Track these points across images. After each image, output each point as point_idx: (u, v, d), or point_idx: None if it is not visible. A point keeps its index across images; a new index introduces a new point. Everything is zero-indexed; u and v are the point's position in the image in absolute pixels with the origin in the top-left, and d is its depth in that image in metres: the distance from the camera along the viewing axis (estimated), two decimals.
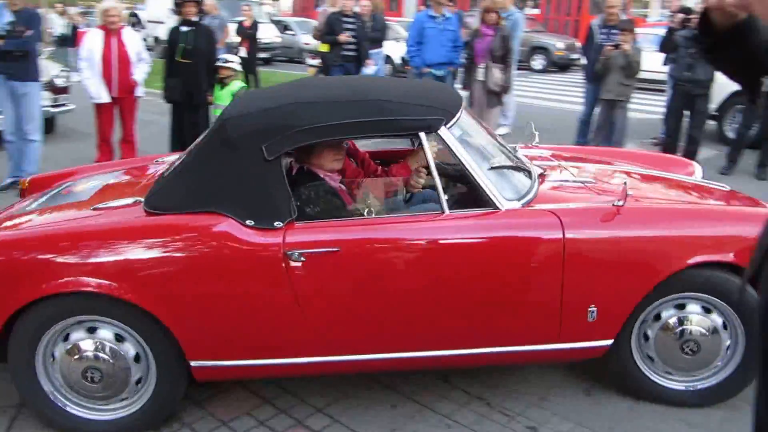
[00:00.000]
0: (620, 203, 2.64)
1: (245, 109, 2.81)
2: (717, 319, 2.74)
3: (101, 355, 2.58)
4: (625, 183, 2.74)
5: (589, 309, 2.64)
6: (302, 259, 2.48)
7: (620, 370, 2.84)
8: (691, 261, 2.61)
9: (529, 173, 2.94)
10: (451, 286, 2.59)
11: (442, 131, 2.64)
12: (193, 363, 2.62)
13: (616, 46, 6.55)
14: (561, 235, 2.56)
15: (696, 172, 3.68)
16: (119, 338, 2.60)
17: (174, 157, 3.30)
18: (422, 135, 2.64)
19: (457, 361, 2.77)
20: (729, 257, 2.63)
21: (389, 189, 3.06)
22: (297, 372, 2.81)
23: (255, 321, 2.59)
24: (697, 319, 2.74)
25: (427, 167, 2.65)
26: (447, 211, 2.61)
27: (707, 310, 2.74)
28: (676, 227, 2.71)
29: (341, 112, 2.66)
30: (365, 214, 2.66)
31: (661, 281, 2.62)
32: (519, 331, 2.71)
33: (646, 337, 2.79)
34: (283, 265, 2.48)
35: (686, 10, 7.29)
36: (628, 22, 7.15)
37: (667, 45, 7.51)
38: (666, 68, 7.52)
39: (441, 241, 2.60)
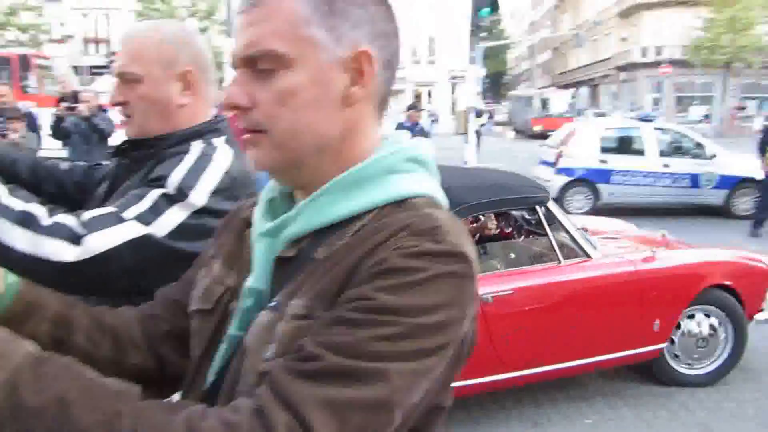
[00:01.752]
0: (660, 249, 4.19)
1: None
2: (717, 325, 4.29)
3: None
4: (663, 234, 4.36)
5: (655, 322, 4.02)
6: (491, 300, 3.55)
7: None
8: (708, 283, 4.17)
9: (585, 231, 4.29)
10: (576, 311, 3.81)
11: (550, 204, 3.92)
12: None
13: (3, 135, 6.26)
14: (635, 271, 3.97)
15: None
16: None
17: None
18: (539, 207, 3.88)
19: (577, 369, 3.92)
20: (730, 282, 4.25)
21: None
22: (491, 387, 3.74)
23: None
24: (704, 323, 4.25)
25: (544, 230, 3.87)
26: (562, 261, 3.85)
27: (707, 316, 4.27)
28: (698, 262, 4.33)
29: (484, 192, 3.74)
30: (500, 267, 3.87)
31: (693, 297, 4.11)
32: (619, 340, 3.97)
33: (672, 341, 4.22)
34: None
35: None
36: (14, 110, 6.98)
37: None
38: None
39: (563, 281, 3.83)
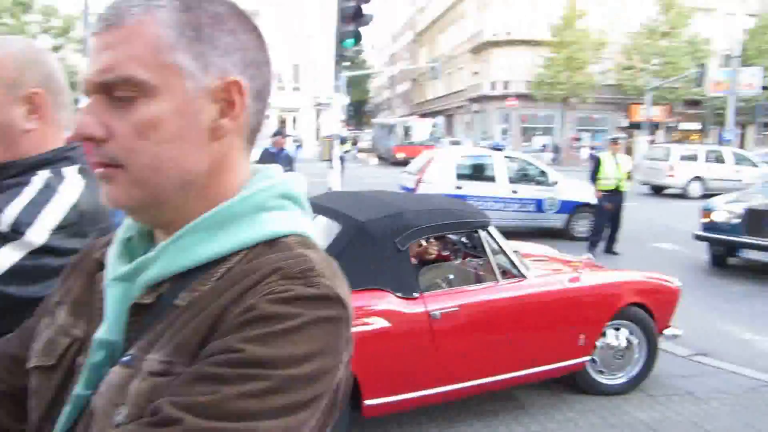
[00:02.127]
0: (585, 270, 4.52)
1: (375, 214, 3.84)
2: (633, 339, 4.59)
3: None
4: (589, 257, 4.72)
5: (581, 336, 4.29)
6: (440, 316, 3.68)
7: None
8: (626, 302, 4.49)
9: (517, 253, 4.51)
10: (512, 326, 4.02)
11: (490, 228, 4.15)
12: (367, 402, 3.50)
13: None
14: (564, 289, 4.23)
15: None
16: None
17: None
18: (480, 231, 4.10)
19: (512, 381, 4.08)
20: (644, 301, 4.61)
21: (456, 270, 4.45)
22: (436, 399, 3.82)
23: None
24: (621, 337, 4.56)
25: (485, 251, 4.08)
26: (500, 281, 4.07)
27: (617, 328, 4.54)
28: (616, 282, 4.63)
29: (436, 216, 3.96)
30: (444, 286, 4.02)
31: (613, 314, 4.43)
32: (550, 354, 4.19)
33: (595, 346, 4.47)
34: (428, 319, 3.66)
35: None
36: None
37: None
38: None
39: (501, 298, 4.02)
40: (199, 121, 0.75)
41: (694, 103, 40.34)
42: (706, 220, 8.87)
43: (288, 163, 9.58)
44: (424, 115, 45.40)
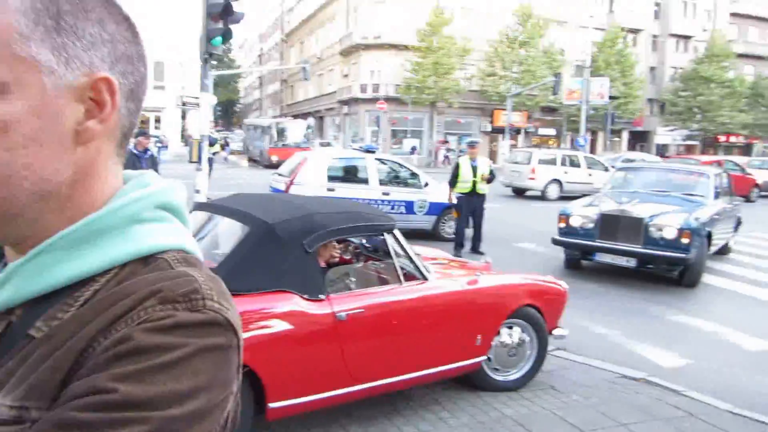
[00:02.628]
0: (482, 273, 4.58)
1: (283, 216, 3.75)
2: (525, 337, 4.73)
3: None
4: (486, 260, 4.80)
5: (478, 336, 4.36)
6: (345, 317, 3.63)
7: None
8: (520, 303, 4.61)
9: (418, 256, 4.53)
10: (415, 327, 4.04)
11: (395, 231, 4.15)
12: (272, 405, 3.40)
13: None
14: (463, 291, 4.30)
15: None
16: None
17: None
18: (386, 234, 4.10)
19: (413, 381, 4.10)
20: (536, 302, 4.74)
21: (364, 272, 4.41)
22: (341, 400, 3.76)
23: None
24: (515, 335, 4.68)
25: (388, 253, 4.09)
26: (404, 283, 4.06)
27: (510, 327, 4.65)
28: (511, 284, 4.75)
29: (344, 219, 3.94)
30: (350, 288, 3.98)
31: (507, 315, 4.55)
32: (450, 353, 4.23)
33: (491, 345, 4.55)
34: (334, 321, 3.61)
35: None
36: None
37: None
38: None
39: (405, 300, 4.03)
40: (61, 123, 0.65)
41: (551, 110, 42.94)
42: (563, 224, 9.09)
43: (152, 165, 9.01)
44: (295, 117, 44.82)
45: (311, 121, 38.96)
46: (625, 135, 49.85)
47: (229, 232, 3.91)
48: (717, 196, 9.47)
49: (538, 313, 4.77)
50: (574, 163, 21.24)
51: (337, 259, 4.60)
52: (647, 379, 5.00)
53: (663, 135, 50.74)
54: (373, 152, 11.78)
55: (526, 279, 4.98)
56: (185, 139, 35.51)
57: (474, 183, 10.23)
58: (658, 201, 8.96)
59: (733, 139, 50.71)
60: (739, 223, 11.32)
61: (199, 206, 4.45)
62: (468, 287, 4.40)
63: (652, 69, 50.72)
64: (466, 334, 4.32)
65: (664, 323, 6.93)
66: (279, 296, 3.51)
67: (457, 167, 10.42)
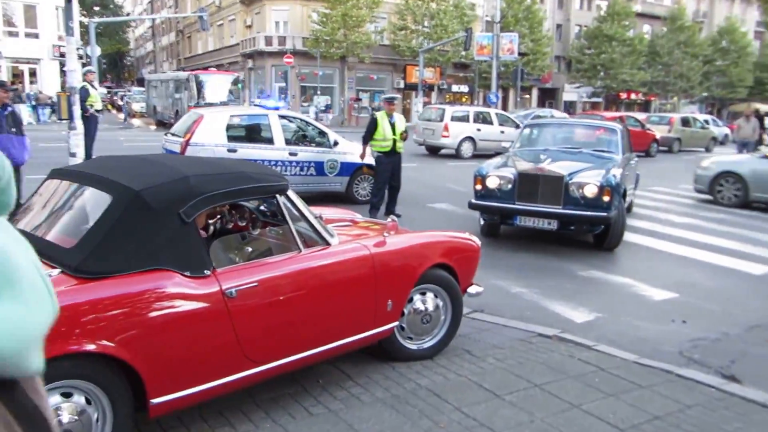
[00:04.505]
0: (390, 233, 4.21)
1: (154, 181, 3.21)
2: (439, 302, 4.43)
3: None
4: (393, 219, 4.36)
5: (388, 302, 4.02)
6: (236, 294, 3.20)
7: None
8: (430, 263, 4.29)
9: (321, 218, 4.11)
10: (319, 298, 3.64)
11: (289, 192, 3.71)
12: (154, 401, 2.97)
13: None
14: (370, 254, 3.92)
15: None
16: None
17: None
18: (279, 196, 3.63)
19: (319, 356, 3.73)
20: (448, 261, 4.44)
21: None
22: (238, 386, 3.36)
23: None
24: (428, 301, 4.37)
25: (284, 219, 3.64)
26: (303, 250, 3.64)
27: (423, 293, 4.34)
28: (421, 243, 4.39)
29: (226, 182, 3.44)
30: (240, 260, 3.54)
31: (419, 277, 4.22)
32: (359, 322, 3.89)
33: (402, 313, 4.26)
34: (223, 299, 3.16)
35: None
36: None
37: None
38: None
39: (305, 268, 3.60)
40: None
41: (463, 67, 42.96)
42: (479, 186, 8.24)
43: (15, 123, 7.84)
44: (193, 71, 42.09)
45: (239, 75, 33.03)
46: (535, 92, 50.78)
47: (90, 203, 3.32)
48: (623, 152, 9.31)
49: (452, 272, 4.49)
50: (486, 120, 21.16)
51: (230, 227, 4.15)
52: (559, 336, 4.93)
53: (570, 92, 52.05)
54: (278, 109, 10.99)
55: (436, 236, 4.66)
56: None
57: (394, 141, 9.76)
58: (570, 158, 8.59)
59: (633, 96, 52.80)
60: (638, 179, 11.37)
61: (54, 173, 3.68)
62: (375, 249, 4.01)
63: (559, 26, 51.60)
64: (376, 301, 3.97)
65: (576, 279, 6.90)
66: (154, 276, 3.00)
67: (374, 124, 9.80)
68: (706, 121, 29.86)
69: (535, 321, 5.37)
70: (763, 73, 55.93)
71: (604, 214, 7.61)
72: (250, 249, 3.76)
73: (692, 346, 5.04)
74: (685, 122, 27.66)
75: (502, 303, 5.83)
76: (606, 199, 7.59)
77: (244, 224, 4.30)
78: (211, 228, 4.18)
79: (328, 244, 3.81)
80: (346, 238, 4.17)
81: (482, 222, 8.73)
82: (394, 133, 9.70)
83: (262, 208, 4.42)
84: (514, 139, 20.72)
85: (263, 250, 3.88)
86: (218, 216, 4.17)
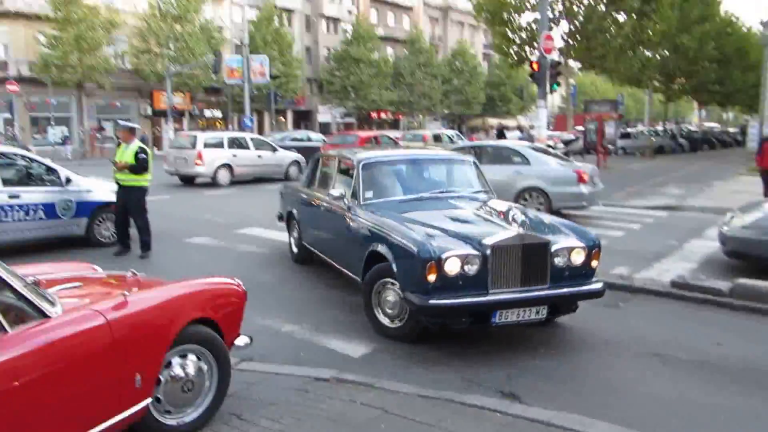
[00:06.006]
0: (131, 290, 3.44)
1: None
2: (202, 364, 3.73)
3: None
4: (132, 273, 3.70)
5: (136, 377, 3.26)
6: None
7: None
8: (187, 320, 3.60)
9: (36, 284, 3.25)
10: (34, 390, 2.78)
11: None
12: None
13: None
14: (106, 322, 3.13)
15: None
16: None
17: None
18: None
19: None
20: (208, 314, 3.77)
21: None
22: None
23: None
24: (189, 365, 3.67)
25: None
26: (9, 330, 2.76)
27: (184, 356, 3.65)
28: (173, 298, 3.66)
29: None
30: None
31: (175, 338, 3.50)
32: (101, 409, 3.09)
33: (158, 382, 3.51)
34: None
35: None
36: None
37: None
38: None
39: (12, 357, 2.71)
40: None
41: (215, 91, 41.78)
42: (433, 277, 4.98)
43: None
44: None
45: None
46: (290, 114, 51.22)
47: None
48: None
49: (215, 327, 3.83)
50: (242, 145, 20.45)
51: None
52: (337, 377, 4.52)
53: (324, 113, 53.41)
54: None
55: (192, 286, 3.92)
56: None
57: (115, 173, 8.94)
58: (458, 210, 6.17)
59: (383, 115, 55.94)
60: None
61: None
62: (113, 315, 3.21)
63: (308, 49, 52.76)
64: (119, 378, 3.20)
65: (351, 309, 6.45)
66: None
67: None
68: (453, 137, 32.44)
69: (311, 362, 4.93)
70: (493, 90, 62.82)
71: (598, 287, 5.56)
72: None
73: (467, 366, 4.94)
74: (437, 138, 30.00)
75: (272, 346, 5.26)
76: (594, 264, 5.61)
77: None
78: None
79: (46, 316, 2.96)
80: (74, 303, 3.32)
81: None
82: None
83: None
84: (275, 163, 20.59)
85: None
86: None
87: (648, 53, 35.67)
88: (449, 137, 31.48)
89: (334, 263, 6.97)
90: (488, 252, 5.05)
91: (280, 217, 9.32)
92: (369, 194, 6.47)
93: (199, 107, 42.49)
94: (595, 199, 12.31)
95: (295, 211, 8.49)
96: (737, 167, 25.42)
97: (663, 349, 5.33)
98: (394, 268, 5.30)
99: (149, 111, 39.83)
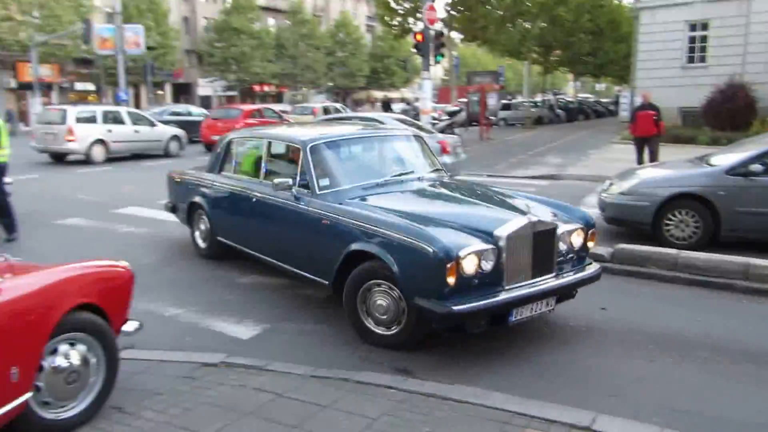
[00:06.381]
0: (3, 277, 3.22)
1: None
2: (88, 354, 3.52)
3: None
4: (5, 258, 3.41)
5: (12, 370, 3.05)
6: None
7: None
8: (68, 307, 3.38)
9: None
10: None
11: None
12: None
13: None
14: None
15: None
16: None
17: None
18: None
19: None
20: (92, 299, 3.56)
21: None
22: None
23: None
24: (73, 355, 3.46)
25: None
26: None
27: (72, 343, 3.45)
28: (53, 283, 3.41)
29: None
30: None
31: (55, 326, 3.29)
32: None
33: (41, 368, 3.30)
34: None
35: None
36: None
37: None
38: None
39: None
40: None
41: (87, 62, 39.20)
42: (452, 279, 4.34)
43: None
44: None
45: None
46: (168, 87, 48.97)
47: None
48: None
49: (100, 313, 3.63)
50: (117, 120, 19.39)
51: None
52: (226, 362, 4.39)
53: (204, 86, 51.51)
54: None
55: (72, 270, 3.64)
56: None
57: None
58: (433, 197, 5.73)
59: (267, 88, 54.71)
60: None
61: None
62: None
63: (186, 19, 50.52)
64: None
65: (238, 288, 6.37)
66: None
67: None
68: (340, 109, 32.32)
69: (198, 347, 4.77)
70: (376, 63, 62.89)
71: (597, 269, 5.31)
72: None
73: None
74: (326, 111, 29.71)
75: (156, 332, 4.98)
76: (591, 245, 5.40)
77: None
78: None
79: None
80: None
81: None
82: None
83: None
84: (155, 138, 19.58)
85: None
86: None
87: (527, 25, 36.80)
88: (336, 110, 31.40)
89: (280, 264, 5.99)
90: (502, 244, 4.54)
91: (172, 209, 8.16)
92: (324, 182, 5.53)
93: (69, 80, 39.76)
94: (458, 169, 12.68)
95: (200, 201, 7.25)
96: (611, 136, 26.70)
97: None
98: (395, 270, 4.53)
99: (13, 84, 36.82)
